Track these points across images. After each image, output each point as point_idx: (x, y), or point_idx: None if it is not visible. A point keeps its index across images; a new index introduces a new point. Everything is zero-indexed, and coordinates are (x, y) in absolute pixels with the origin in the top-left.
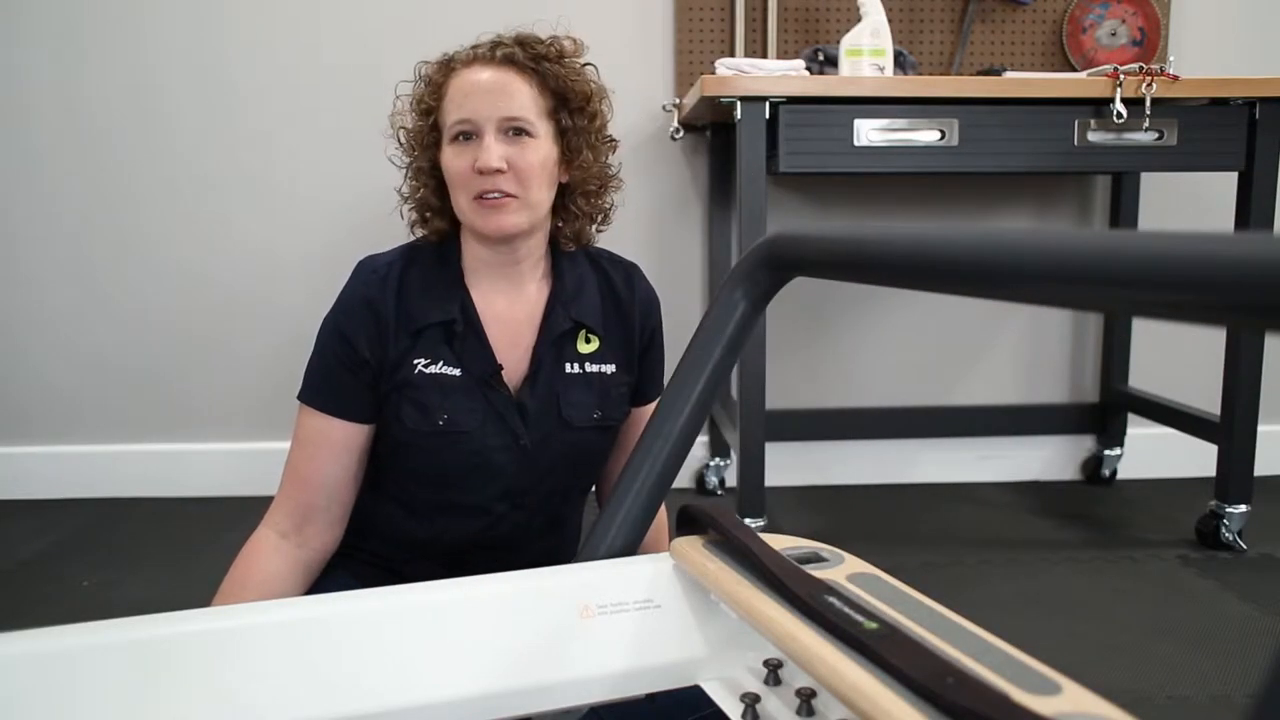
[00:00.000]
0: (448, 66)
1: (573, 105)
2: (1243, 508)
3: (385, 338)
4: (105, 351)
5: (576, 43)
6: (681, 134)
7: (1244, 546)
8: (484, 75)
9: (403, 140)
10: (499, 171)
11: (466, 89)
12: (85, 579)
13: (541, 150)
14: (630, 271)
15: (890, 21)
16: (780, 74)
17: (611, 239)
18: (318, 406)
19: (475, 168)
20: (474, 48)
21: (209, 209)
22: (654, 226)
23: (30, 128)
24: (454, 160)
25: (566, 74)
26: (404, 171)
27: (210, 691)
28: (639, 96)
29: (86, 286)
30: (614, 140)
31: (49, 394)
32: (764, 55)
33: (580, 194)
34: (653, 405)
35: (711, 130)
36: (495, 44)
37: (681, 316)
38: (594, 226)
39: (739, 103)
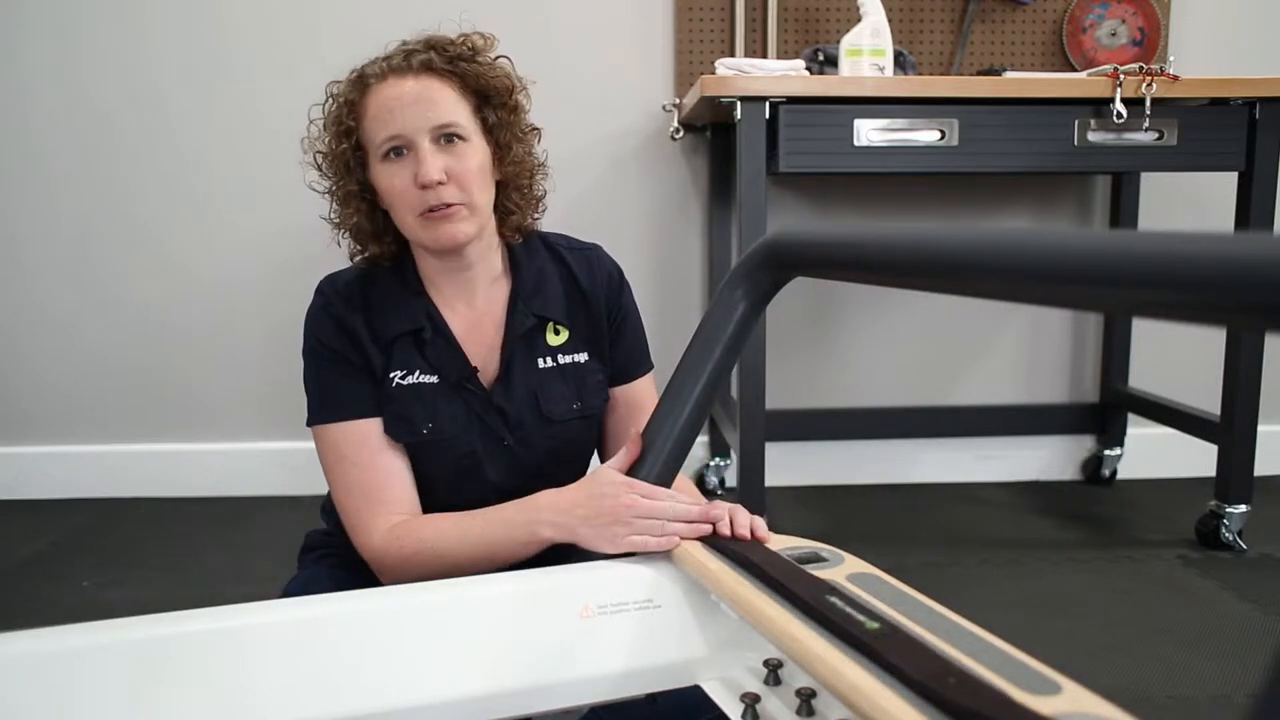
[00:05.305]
0: (362, 82)
1: (495, 101)
2: (1243, 508)
3: (363, 351)
4: (105, 351)
5: (486, 38)
6: (681, 134)
7: (1244, 546)
8: (405, 86)
9: (322, 165)
10: (440, 183)
11: (389, 103)
12: (85, 579)
13: (477, 154)
14: (589, 255)
15: (890, 21)
16: (780, 74)
17: (612, 239)
18: (333, 419)
19: (418, 182)
20: (385, 59)
21: (209, 209)
22: (654, 226)
23: (30, 127)
24: (392, 179)
25: (484, 71)
26: (328, 197)
27: (210, 691)
28: (639, 96)
29: (86, 286)
30: (536, 129)
31: (49, 394)
32: (764, 55)
33: (514, 189)
34: (641, 382)
35: (711, 130)
36: (408, 52)
37: (681, 316)
38: (532, 216)
39: (739, 103)
